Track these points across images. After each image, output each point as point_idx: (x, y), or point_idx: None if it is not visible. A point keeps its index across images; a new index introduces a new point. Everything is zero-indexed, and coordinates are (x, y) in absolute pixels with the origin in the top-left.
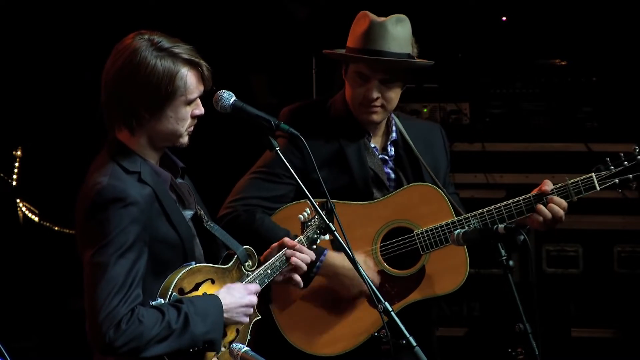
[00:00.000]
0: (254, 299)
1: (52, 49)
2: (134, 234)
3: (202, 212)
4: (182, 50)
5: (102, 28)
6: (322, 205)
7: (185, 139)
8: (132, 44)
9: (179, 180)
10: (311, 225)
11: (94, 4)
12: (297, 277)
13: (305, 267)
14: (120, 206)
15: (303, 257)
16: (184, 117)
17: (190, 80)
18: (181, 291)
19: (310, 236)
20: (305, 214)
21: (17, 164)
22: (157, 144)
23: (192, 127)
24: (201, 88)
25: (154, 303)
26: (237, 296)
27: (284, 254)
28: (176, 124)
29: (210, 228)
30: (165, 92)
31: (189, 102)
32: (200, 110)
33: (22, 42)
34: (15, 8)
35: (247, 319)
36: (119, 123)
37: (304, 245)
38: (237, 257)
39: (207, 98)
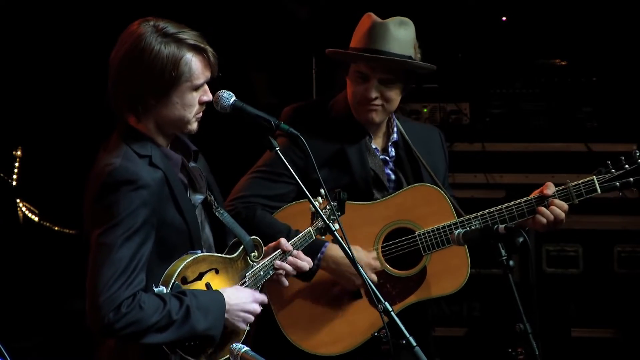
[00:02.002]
0: (257, 309)
1: (52, 49)
2: (142, 217)
3: (212, 198)
4: (187, 35)
5: (102, 28)
6: (334, 195)
7: (194, 126)
8: (137, 30)
9: (192, 164)
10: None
11: (95, 3)
12: (284, 280)
13: (295, 272)
14: (131, 188)
15: (301, 264)
16: (191, 103)
17: (195, 65)
18: (184, 280)
19: (320, 227)
20: (316, 204)
21: (17, 164)
22: (165, 131)
23: (201, 114)
24: (207, 74)
25: (156, 290)
26: (242, 300)
27: (278, 257)
28: (183, 110)
29: (219, 215)
30: (170, 77)
31: (195, 88)
32: (208, 96)
33: (22, 42)
34: (15, 8)
35: (244, 326)
36: (126, 110)
37: (303, 243)
38: (244, 247)
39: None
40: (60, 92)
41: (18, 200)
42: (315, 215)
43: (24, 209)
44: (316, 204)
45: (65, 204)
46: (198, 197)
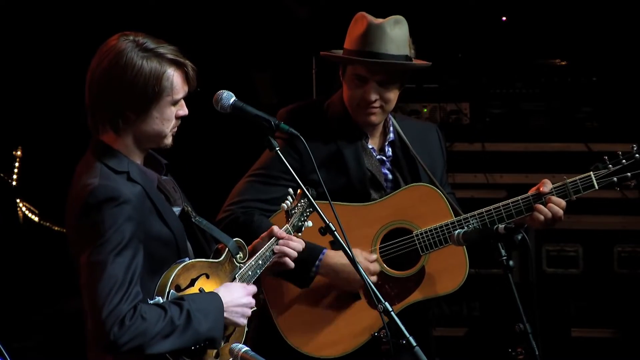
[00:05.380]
0: (252, 301)
1: (52, 49)
2: (129, 231)
3: (189, 208)
4: (167, 50)
5: (104, 28)
6: (302, 195)
7: (169, 140)
8: (117, 45)
9: (164, 177)
10: (295, 212)
11: (96, 3)
12: (288, 260)
13: (295, 254)
14: (113, 205)
15: (295, 245)
16: (169, 118)
17: (176, 80)
18: (177, 288)
19: (295, 224)
20: (288, 202)
21: (17, 164)
22: (142, 145)
23: (176, 128)
24: (186, 88)
25: (152, 302)
26: (236, 295)
27: (274, 244)
28: (161, 124)
29: (198, 223)
30: (152, 92)
31: (175, 103)
32: (184, 111)
33: (22, 42)
34: (15, 8)
35: (244, 321)
36: (105, 124)
37: (291, 234)
38: (228, 250)
39: (194, 98)
40: (60, 92)
41: (18, 200)
42: (288, 213)
43: (24, 209)
44: (287, 203)
45: (65, 204)
46: (175, 209)
